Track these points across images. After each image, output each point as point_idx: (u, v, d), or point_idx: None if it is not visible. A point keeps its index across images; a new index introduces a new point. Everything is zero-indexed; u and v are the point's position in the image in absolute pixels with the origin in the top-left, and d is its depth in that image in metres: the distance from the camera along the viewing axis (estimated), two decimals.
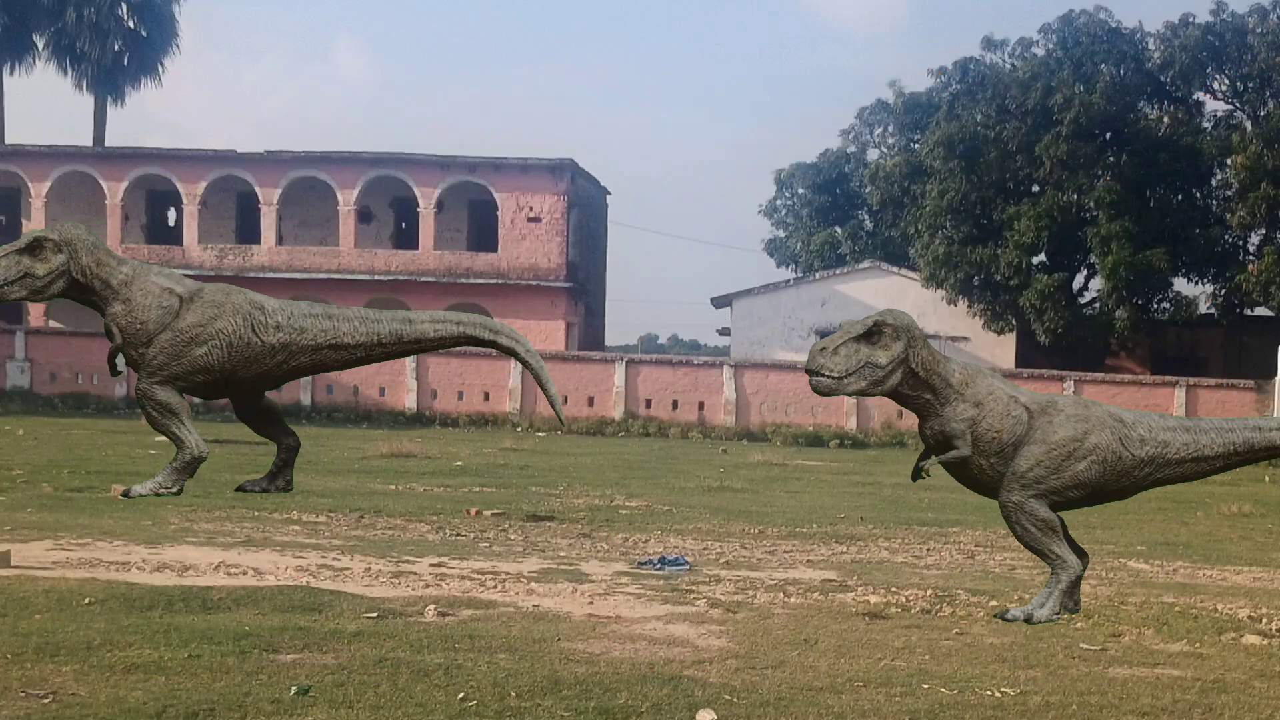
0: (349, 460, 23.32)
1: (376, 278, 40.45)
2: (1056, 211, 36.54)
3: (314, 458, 21.74)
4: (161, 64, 48.63)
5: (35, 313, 40.87)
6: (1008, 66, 39.62)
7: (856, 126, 48.06)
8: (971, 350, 39.94)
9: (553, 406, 6.16)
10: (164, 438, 5.75)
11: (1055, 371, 35.95)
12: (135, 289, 5.50)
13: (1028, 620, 5.75)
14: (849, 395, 5.55)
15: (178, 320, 5.47)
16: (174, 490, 5.53)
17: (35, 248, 5.40)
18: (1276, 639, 9.81)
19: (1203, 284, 38.85)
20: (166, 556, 11.85)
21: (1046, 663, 8.69)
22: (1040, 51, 39.71)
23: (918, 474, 5.85)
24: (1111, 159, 37.93)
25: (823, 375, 5.50)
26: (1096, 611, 10.56)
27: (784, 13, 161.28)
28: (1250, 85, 38.33)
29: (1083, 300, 38.88)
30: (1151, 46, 39.13)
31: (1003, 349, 39.87)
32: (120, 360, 5.56)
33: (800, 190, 49.15)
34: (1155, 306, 37.46)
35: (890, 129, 46.16)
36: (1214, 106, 39.70)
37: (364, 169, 40.97)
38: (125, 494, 5.65)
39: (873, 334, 5.57)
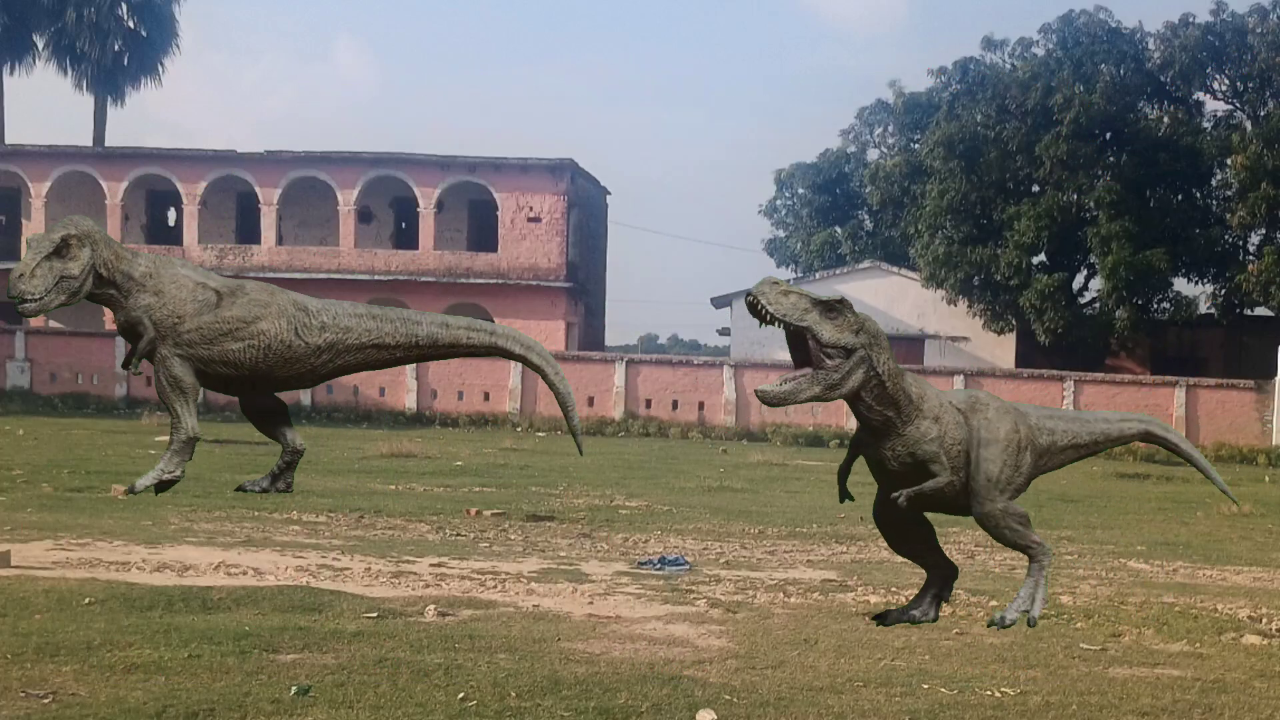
0: (349, 460, 23.31)
1: (376, 278, 40.46)
2: (1056, 211, 36.54)
3: (314, 458, 21.74)
4: (161, 64, 48.68)
5: None
6: (1008, 66, 39.63)
7: (856, 126, 48.10)
8: (971, 350, 39.93)
9: (574, 436, 5.88)
10: (159, 439, 5.74)
11: (1055, 371, 35.94)
12: (165, 281, 5.40)
13: (1031, 624, 5.67)
14: (803, 402, 5.05)
15: (220, 310, 5.40)
16: (177, 474, 5.48)
17: (63, 248, 5.29)
18: (1276, 639, 9.81)
19: (1203, 284, 38.89)
20: (166, 556, 11.85)
21: (1046, 663, 8.68)
22: (1040, 51, 39.73)
23: (846, 495, 5.67)
24: (1111, 159, 37.94)
25: (764, 306, 4.92)
26: (1096, 611, 10.56)
27: (784, 13, 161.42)
28: (1250, 85, 38.34)
29: (1083, 300, 38.89)
30: (1151, 46, 39.14)
31: (1003, 349, 39.87)
32: (133, 361, 5.48)
33: (800, 190, 49.17)
34: (1155, 306, 37.46)
35: (890, 129, 46.17)
36: (1214, 106, 39.77)
37: (364, 169, 40.97)
38: (131, 491, 5.60)
39: (834, 309, 5.10)
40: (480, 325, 5.87)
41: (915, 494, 5.25)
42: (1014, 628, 5.65)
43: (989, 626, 5.75)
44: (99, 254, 5.32)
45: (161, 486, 5.50)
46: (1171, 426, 6.06)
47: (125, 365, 5.56)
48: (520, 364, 7.06)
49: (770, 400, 4.93)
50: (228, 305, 5.40)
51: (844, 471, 5.69)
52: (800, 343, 5.04)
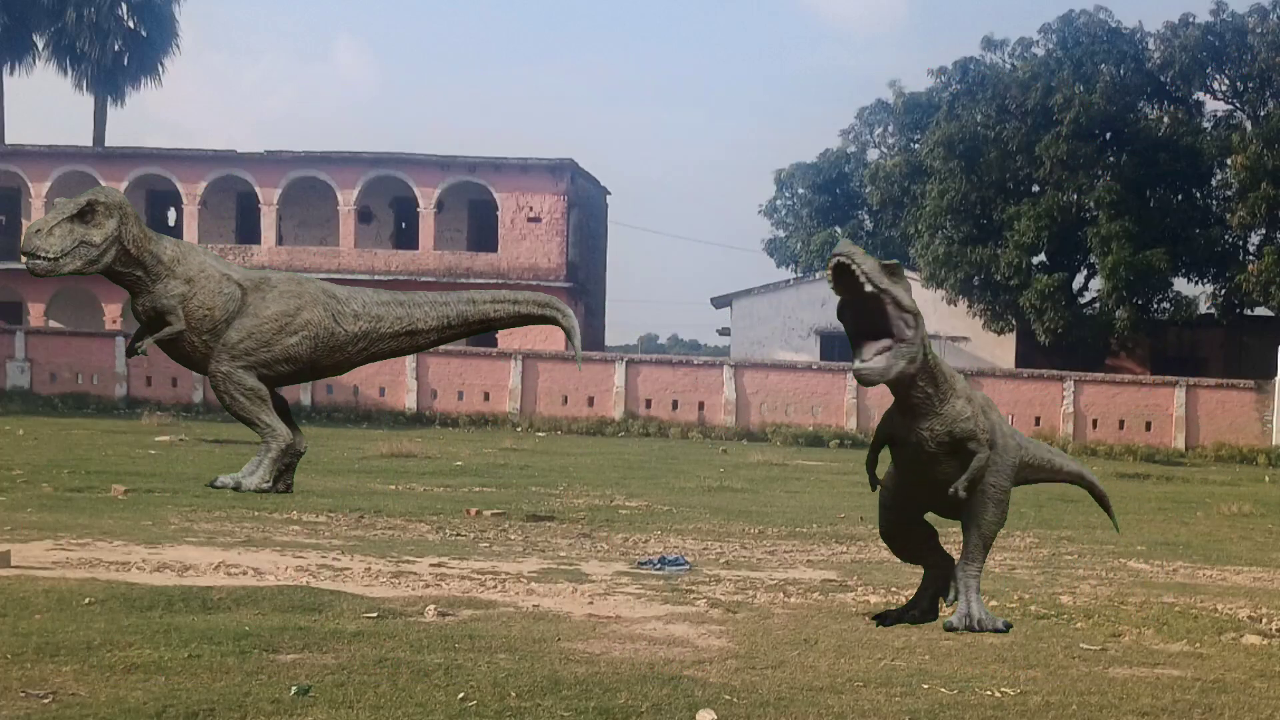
0: (349, 460, 23.29)
1: (376, 278, 40.41)
2: (1056, 211, 36.55)
3: (314, 458, 21.70)
4: (161, 64, 48.76)
5: (35, 313, 40.86)
6: (1008, 66, 39.66)
7: (856, 126, 48.13)
8: (971, 350, 39.94)
9: (576, 354, 6.33)
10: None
11: (1055, 371, 35.95)
12: (193, 269, 5.26)
13: (1009, 626, 5.69)
14: (893, 378, 5.01)
15: (257, 308, 5.30)
16: (271, 485, 5.45)
17: (87, 213, 5.02)
18: (1276, 639, 9.80)
19: (1203, 284, 38.93)
20: (166, 556, 11.84)
21: (1046, 663, 8.68)
22: (1040, 51, 39.75)
23: (876, 482, 5.69)
24: (1111, 159, 37.96)
25: (857, 267, 4.78)
26: (1096, 611, 10.56)
27: (784, 13, 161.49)
28: (1250, 85, 38.36)
29: (1083, 300, 38.90)
30: (1151, 46, 39.16)
31: (1003, 349, 39.88)
32: (141, 343, 5.32)
33: (800, 190, 49.19)
34: (1155, 306, 37.49)
35: (890, 129, 46.20)
36: (1214, 106, 39.84)
37: (364, 169, 40.98)
38: (230, 486, 5.45)
39: (894, 272, 5.12)
40: (503, 296, 5.90)
41: (970, 480, 5.25)
42: (1015, 628, 5.66)
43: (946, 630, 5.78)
44: (128, 230, 5.09)
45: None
46: (1097, 477, 6.66)
47: (131, 350, 5.45)
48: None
49: (872, 379, 4.93)
50: (259, 302, 5.32)
51: (872, 461, 5.70)
52: (866, 309, 4.96)
